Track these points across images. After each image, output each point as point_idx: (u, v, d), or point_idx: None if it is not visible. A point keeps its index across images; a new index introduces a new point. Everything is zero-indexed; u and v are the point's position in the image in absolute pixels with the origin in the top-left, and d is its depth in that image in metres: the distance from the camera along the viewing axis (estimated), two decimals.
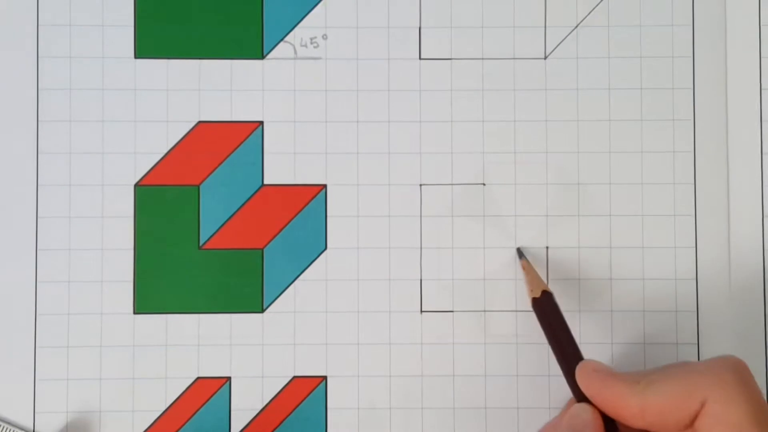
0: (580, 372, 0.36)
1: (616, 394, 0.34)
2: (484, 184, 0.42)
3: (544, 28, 0.42)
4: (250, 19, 0.42)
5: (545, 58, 0.42)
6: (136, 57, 0.42)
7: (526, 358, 0.41)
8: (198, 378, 0.41)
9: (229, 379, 0.41)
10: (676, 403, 0.32)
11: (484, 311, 0.41)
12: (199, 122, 0.42)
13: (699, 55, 0.42)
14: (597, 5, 0.42)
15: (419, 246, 0.41)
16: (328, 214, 0.42)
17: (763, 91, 0.41)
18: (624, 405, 0.33)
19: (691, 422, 0.32)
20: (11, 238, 0.41)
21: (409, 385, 0.41)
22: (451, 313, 0.41)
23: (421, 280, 0.41)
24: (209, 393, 0.41)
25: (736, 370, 0.32)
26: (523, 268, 0.40)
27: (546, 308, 0.38)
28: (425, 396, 0.41)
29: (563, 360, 0.37)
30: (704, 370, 0.32)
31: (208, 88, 0.42)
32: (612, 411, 0.34)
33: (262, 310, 0.41)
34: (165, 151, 0.42)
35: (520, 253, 0.41)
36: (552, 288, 0.39)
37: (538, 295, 0.38)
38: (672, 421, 0.32)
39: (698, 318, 0.41)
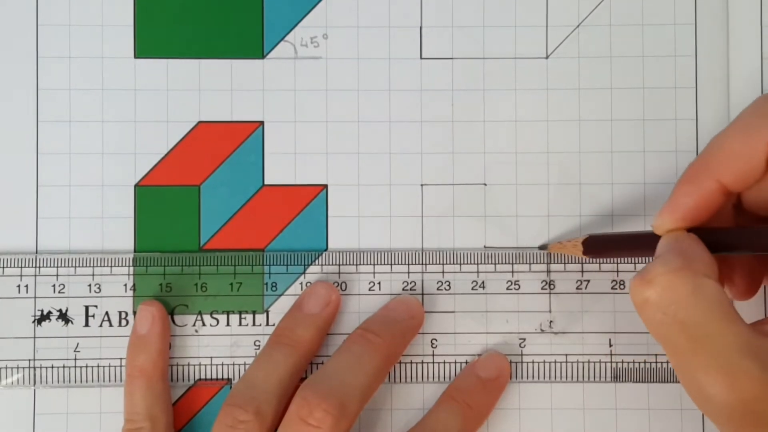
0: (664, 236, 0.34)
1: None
2: (485, 184, 0.42)
3: (545, 27, 0.42)
4: (250, 19, 0.42)
5: (547, 57, 0.42)
6: (135, 57, 0.42)
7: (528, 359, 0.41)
8: (198, 380, 0.41)
9: (230, 381, 0.41)
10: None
11: (486, 312, 0.41)
12: (200, 122, 0.42)
13: (701, 54, 0.42)
14: (599, 4, 0.42)
15: (420, 247, 0.41)
16: (329, 214, 0.41)
17: (764, 91, 0.41)
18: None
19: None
20: (11, 239, 0.41)
21: (410, 385, 0.41)
22: (453, 313, 0.41)
23: (422, 281, 0.41)
24: (209, 395, 0.41)
25: None
26: (556, 250, 0.40)
27: (600, 244, 0.38)
28: (426, 396, 0.41)
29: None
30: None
31: (208, 88, 0.42)
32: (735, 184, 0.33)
33: (264, 312, 0.41)
34: (165, 151, 0.41)
35: (543, 247, 0.41)
36: (553, 288, 0.39)
37: (582, 249, 0.38)
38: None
39: None
